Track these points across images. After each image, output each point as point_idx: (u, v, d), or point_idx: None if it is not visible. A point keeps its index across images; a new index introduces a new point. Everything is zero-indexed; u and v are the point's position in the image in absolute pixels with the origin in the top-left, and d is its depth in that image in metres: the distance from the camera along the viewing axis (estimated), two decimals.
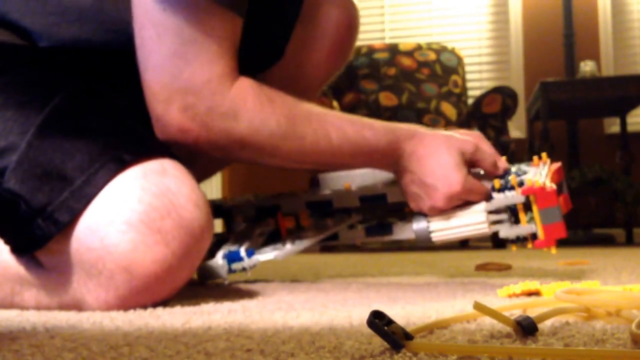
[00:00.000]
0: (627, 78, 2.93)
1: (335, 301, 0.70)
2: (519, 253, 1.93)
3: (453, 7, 3.69)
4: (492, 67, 3.65)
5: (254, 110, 0.73)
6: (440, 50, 3.21)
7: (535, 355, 0.36)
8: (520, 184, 0.82)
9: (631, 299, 0.50)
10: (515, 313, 0.53)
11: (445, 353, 0.38)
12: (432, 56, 3.17)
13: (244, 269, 0.88)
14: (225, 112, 0.72)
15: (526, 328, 0.43)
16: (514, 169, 0.88)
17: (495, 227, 0.84)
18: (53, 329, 0.53)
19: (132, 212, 0.63)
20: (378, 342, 0.42)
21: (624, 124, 3.11)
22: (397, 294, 0.76)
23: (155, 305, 0.67)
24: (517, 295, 0.70)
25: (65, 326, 0.54)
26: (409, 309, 0.61)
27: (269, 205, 0.97)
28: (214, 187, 3.64)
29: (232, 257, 0.88)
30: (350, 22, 1.00)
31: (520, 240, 0.83)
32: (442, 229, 0.85)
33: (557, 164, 0.88)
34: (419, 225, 0.85)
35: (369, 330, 0.40)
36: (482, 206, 0.83)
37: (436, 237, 0.85)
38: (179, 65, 0.70)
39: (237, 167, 3.77)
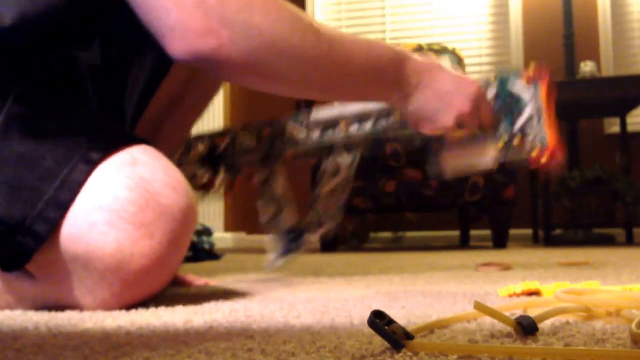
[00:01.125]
0: (627, 78, 2.92)
1: (336, 301, 0.70)
2: (519, 253, 1.93)
3: (453, 7, 3.70)
4: (493, 68, 3.65)
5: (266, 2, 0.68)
6: (441, 50, 3.21)
7: (536, 355, 0.36)
8: (522, 132, 0.84)
9: (631, 299, 0.50)
10: (515, 313, 0.53)
11: (445, 352, 0.38)
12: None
13: None
14: (238, 2, 0.66)
15: (526, 328, 0.44)
16: (499, 87, 0.87)
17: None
18: (55, 328, 0.53)
19: (110, 211, 0.62)
20: (379, 342, 0.42)
21: (623, 124, 3.11)
22: (397, 294, 0.76)
23: (152, 296, 0.67)
24: (517, 295, 0.70)
25: (67, 325, 0.55)
26: (409, 309, 0.61)
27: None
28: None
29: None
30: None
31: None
32: (454, 164, 0.88)
33: (545, 80, 0.88)
34: (433, 159, 0.90)
35: (369, 330, 0.40)
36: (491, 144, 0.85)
37: (448, 169, 0.89)
38: None
39: None
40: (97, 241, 0.62)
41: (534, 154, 0.83)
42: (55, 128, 0.67)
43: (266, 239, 0.98)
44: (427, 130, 0.85)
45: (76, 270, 0.64)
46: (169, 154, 0.82)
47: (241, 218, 3.77)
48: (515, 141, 0.84)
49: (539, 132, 0.84)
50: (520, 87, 0.87)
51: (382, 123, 0.95)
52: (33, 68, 0.71)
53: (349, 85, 0.77)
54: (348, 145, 0.98)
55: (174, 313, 0.61)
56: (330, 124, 0.98)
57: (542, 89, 0.86)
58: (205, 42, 0.65)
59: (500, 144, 0.85)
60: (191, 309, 0.65)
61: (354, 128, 0.96)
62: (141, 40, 0.72)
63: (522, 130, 0.85)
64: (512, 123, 0.86)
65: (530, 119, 0.85)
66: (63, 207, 0.63)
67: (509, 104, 0.86)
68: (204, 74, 0.94)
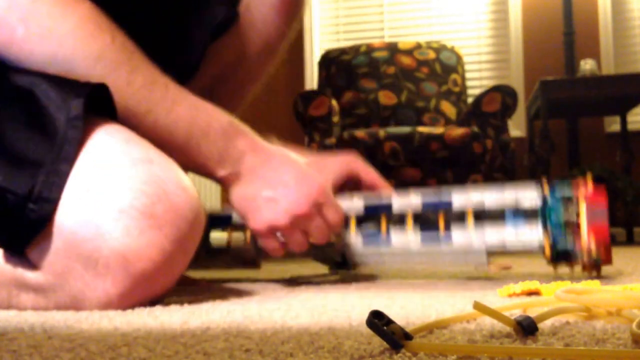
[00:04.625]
0: (627, 76, 2.92)
1: (334, 301, 0.70)
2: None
3: (452, 5, 3.69)
4: (492, 66, 3.65)
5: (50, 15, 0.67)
6: (440, 48, 3.21)
7: (536, 355, 0.36)
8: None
9: (631, 299, 0.50)
10: (515, 313, 0.53)
11: (444, 353, 0.38)
12: (431, 55, 3.16)
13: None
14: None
15: (526, 328, 0.43)
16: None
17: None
18: (51, 329, 0.53)
19: (123, 199, 0.64)
20: (377, 342, 0.42)
21: (624, 122, 3.11)
22: (396, 294, 0.76)
23: (155, 298, 0.67)
24: (517, 295, 0.70)
25: (63, 326, 0.54)
26: (408, 309, 0.61)
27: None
28: (213, 195, 3.63)
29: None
30: None
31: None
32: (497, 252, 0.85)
33: (601, 199, 0.84)
34: (478, 259, 0.86)
35: (368, 330, 0.40)
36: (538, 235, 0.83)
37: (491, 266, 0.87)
38: None
39: None
40: (106, 226, 0.63)
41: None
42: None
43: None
44: (250, 225, 0.78)
45: (81, 258, 0.64)
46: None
47: None
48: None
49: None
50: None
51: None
52: None
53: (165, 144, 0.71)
54: None
55: (171, 314, 0.61)
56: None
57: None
58: None
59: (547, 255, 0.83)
60: (188, 309, 0.64)
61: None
62: None
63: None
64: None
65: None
66: (68, 163, 0.64)
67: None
68: (261, 43, 0.95)
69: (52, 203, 0.64)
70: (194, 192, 0.68)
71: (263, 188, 0.75)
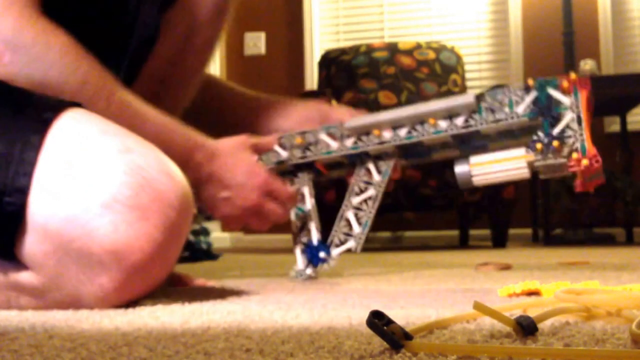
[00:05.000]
0: (627, 77, 2.92)
1: (334, 301, 0.70)
2: (519, 253, 1.93)
3: (452, 5, 3.69)
4: (492, 66, 3.65)
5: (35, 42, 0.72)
6: (440, 49, 3.20)
7: (535, 355, 0.36)
8: (561, 137, 0.84)
9: (631, 299, 0.50)
10: (515, 313, 0.53)
11: (445, 353, 0.38)
12: (431, 55, 3.16)
13: None
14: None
15: (526, 328, 0.43)
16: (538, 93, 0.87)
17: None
18: (52, 329, 0.53)
19: (106, 194, 0.64)
20: (377, 342, 0.42)
21: (624, 122, 3.11)
22: (396, 294, 0.76)
23: (152, 288, 0.67)
24: (517, 295, 0.70)
25: (64, 326, 0.54)
26: (408, 309, 0.61)
27: None
28: None
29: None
30: None
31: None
32: (484, 173, 0.89)
33: (586, 89, 0.88)
34: (461, 168, 0.89)
35: (368, 330, 0.40)
36: (521, 151, 0.86)
37: (477, 180, 0.89)
38: None
39: None
40: (93, 223, 0.63)
41: (574, 157, 0.83)
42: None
43: (295, 251, 1.00)
44: (216, 217, 0.92)
45: (72, 257, 0.64)
46: (175, 111, 0.90)
47: None
48: (555, 144, 0.84)
49: (579, 138, 0.84)
50: (560, 93, 0.87)
51: (418, 129, 0.93)
52: None
53: None
54: (381, 153, 0.97)
55: (172, 314, 0.61)
56: (364, 132, 0.97)
57: (583, 98, 0.86)
58: None
59: (539, 147, 0.84)
60: (188, 309, 0.64)
61: (387, 135, 0.95)
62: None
63: (562, 135, 0.85)
64: (551, 127, 0.85)
65: (570, 124, 0.85)
66: (34, 153, 0.65)
67: (549, 108, 0.86)
68: (199, 37, 0.97)
69: (24, 192, 0.64)
70: (179, 176, 0.68)
71: (220, 190, 0.89)
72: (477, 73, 3.64)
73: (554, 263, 1.32)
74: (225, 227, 0.96)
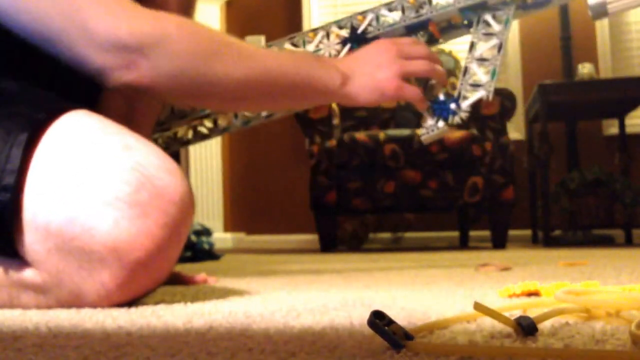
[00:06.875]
0: (625, 80, 2.93)
1: (335, 301, 0.70)
2: (519, 254, 1.93)
3: None
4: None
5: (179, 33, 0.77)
6: (437, 53, 3.21)
7: (535, 355, 0.36)
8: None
9: (631, 300, 0.50)
10: (515, 313, 0.53)
11: (445, 353, 0.38)
12: None
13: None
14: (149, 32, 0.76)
15: (526, 328, 0.44)
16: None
17: None
18: (56, 328, 0.53)
19: (106, 192, 0.64)
20: (379, 342, 0.42)
21: (622, 125, 3.11)
22: (397, 294, 0.77)
23: (154, 285, 0.67)
24: (517, 296, 0.70)
25: (67, 325, 0.55)
26: (409, 309, 0.61)
27: None
28: (215, 188, 3.64)
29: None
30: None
31: None
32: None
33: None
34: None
35: (369, 331, 0.41)
36: None
37: (612, 7, 0.93)
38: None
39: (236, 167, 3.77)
40: (93, 221, 0.63)
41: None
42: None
43: (423, 112, 1.02)
44: (387, 90, 0.94)
45: (74, 254, 0.64)
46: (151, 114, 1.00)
47: (241, 218, 3.77)
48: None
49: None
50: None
51: None
52: None
53: (280, 95, 0.89)
54: (500, 3, 1.01)
55: (174, 313, 0.61)
56: None
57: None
58: (128, 73, 0.76)
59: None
60: (191, 309, 0.65)
61: None
62: None
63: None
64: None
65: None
66: (22, 154, 0.66)
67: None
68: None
69: (8, 190, 0.65)
70: (179, 173, 0.68)
71: (367, 69, 0.94)
72: None
73: (554, 264, 1.32)
74: (399, 90, 0.96)
